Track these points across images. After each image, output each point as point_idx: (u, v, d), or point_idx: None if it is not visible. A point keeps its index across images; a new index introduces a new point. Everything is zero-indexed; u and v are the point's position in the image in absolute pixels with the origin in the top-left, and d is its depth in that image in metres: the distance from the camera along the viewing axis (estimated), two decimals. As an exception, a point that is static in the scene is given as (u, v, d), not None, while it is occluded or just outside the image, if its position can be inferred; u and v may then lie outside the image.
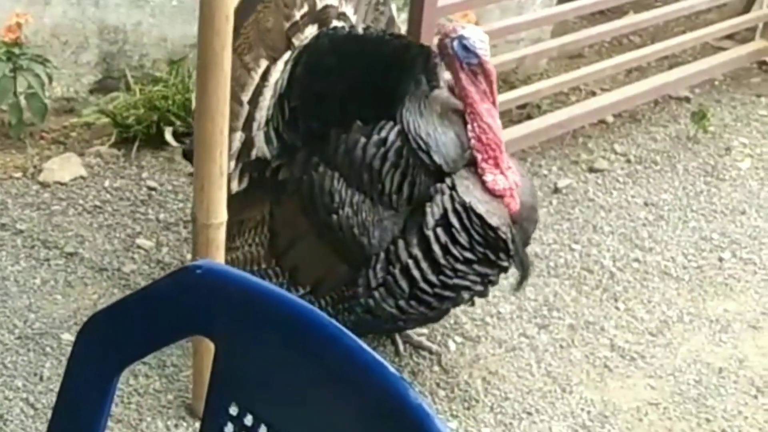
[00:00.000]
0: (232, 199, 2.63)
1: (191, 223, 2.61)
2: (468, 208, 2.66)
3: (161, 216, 3.56)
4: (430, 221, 2.65)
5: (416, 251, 2.66)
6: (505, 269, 2.80)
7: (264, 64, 2.83)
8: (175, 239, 3.44)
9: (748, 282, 3.19)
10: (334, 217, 2.69)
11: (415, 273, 2.67)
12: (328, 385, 1.13)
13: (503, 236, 2.69)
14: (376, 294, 2.71)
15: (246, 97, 2.81)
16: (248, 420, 1.21)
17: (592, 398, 2.94)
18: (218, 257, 2.61)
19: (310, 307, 1.14)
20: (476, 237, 2.67)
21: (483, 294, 2.83)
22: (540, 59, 4.34)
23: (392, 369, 1.09)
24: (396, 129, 2.67)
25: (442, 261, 2.67)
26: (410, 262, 2.67)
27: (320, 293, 2.79)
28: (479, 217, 2.66)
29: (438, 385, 2.96)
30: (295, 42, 2.85)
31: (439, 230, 2.65)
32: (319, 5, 2.88)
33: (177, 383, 2.86)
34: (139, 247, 3.39)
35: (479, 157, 2.71)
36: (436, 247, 2.65)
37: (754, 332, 3.24)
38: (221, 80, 2.45)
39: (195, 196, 2.58)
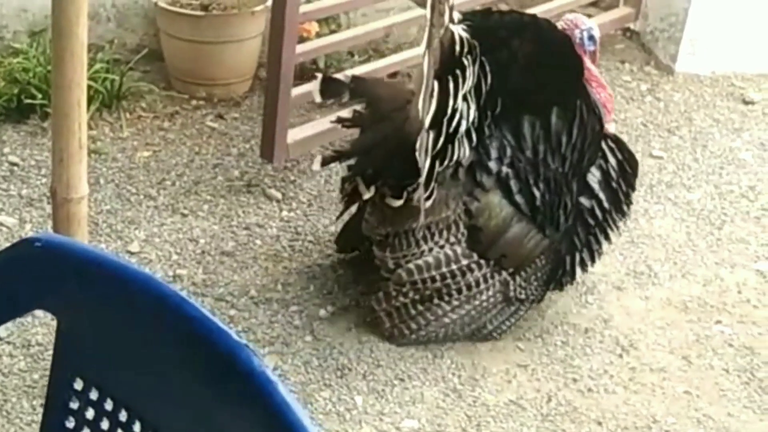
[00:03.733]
0: (415, 210, 2.84)
1: (51, 198, 2.55)
2: (632, 154, 3.17)
3: (24, 192, 3.46)
4: (614, 174, 3.08)
5: (608, 206, 3.09)
6: None
7: (435, 84, 2.73)
8: (39, 216, 3.35)
9: (613, 244, 3.27)
10: (537, 199, 2.96)
11: (610, 223, 3.12)
12: (173, 355, 1.11)
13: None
14: (579, 256, 3.11)
15: (427, 123, 2.74)
16: (93, 394, 1.18)
17: (462, 362, 2.98)
18: (80, 232, 2.55)
19: (153, 278, 1.12)
20: (636, 173, 3.17)
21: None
22: (410, 27, 4.34)
23: (236, 337, 1.08)
24: (584, 106, 3.02)
25: (625, 207, 3.14)
26: (606, 216, 3.10)
27: (520, 271, 3.03)
28: (634, 157, 3.19)
29: (311, 354, 2.96)
30: (447, 43, 2.73)
31: (621, 180, 3.11)
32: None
33: (42, 362, 2.79)
34: (1, 224, 3.28)
35: (605, 118, 3.11)
36: (621, 196, 3.11)
37: (619, 293, 3.32)
38: (77, 49, 2.38)
39: (54, 170, 2.52)
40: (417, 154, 2.76)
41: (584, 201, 3.07)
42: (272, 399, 1.03)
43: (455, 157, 2.85)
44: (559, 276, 3.12)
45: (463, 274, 2.96)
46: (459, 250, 2.94)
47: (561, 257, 3.08)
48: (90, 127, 3.77)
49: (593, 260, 3.17)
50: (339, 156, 3.09)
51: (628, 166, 3.13)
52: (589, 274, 3.31)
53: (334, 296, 3.17)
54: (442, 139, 2.79)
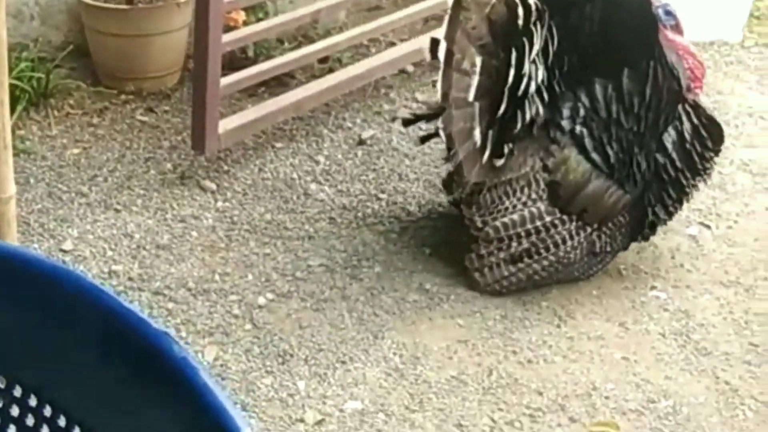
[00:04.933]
0: (491, 170, 3.06)
1: (-22, 200, 2.52)
2: (711, 119, 3.25)
3: (-48, 195, 3.40)
4: (688, 137, 3.17)
5: (680, 165, 3.18)
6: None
7: (478, 60, 3.03)
8: (-31, 218, 3.30)
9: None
10: (612, 157, 3.11)
11: (683, 182, 3.20)
12: (93, 346, 1.11)
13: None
14: (652, 210, 3.21)
15: (471, 96, 3.03)
16: (17, 391, 1.17)
17: (404, 342, 3.00)
18: (9, 232, 2.52)
19: (68, 269, 1.11)
20: (717, 138, 3.24)
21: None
22: (338, 12, 4.35)
23: (156, 325, 1.08)
24: (658, 68, 3.12)
25: (700, 166, 3.21)
26: (679, 175, 3.19)
27: (605, 226, 3.18)
28: (717, 122, 3.27)
29: (252, 343, 2.96)
30: (498, 19, 3.04)
31: (696, 142, 3.19)
32: None
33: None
34: (-70, 229, 3.23)
35: (692, 84, 3.19)
36: (695, 157, 3.19)
37: (555, 265, 3.36)
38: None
39: (-21, 171, 2.48)
40: (441, 130, 3.10)
41: (659, 158, 3.19)
42: (194, 384, 1.03)
43: (528, 117, 3.05)
44: (643, 228, 3.26)
45: (548, 231, 3.13)
46: (542, 206, 3.12)
47: (644, 211, 3.22)
48: (18, 127, 3.73)
49: (670, 215, 3.27)
50: (422, 117, 3.38)
51: (705, 131, 3.21)
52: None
53: (273, 283, 3.17)
54: (504, 105, 3.02)
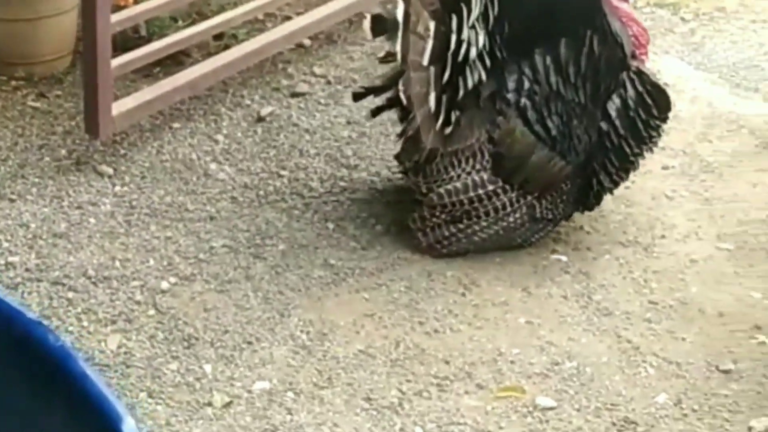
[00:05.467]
0: (443, 138, 3.14)
1: None
2: (656, 86, 3.27)
3: None
4: (631, 104, 3.21)
5: (623, 132, 3.22)
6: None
7: (431, 24, 3.07)
8: None
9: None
10: (554, 131, 3.16)
11: (627, 149, 3.23)
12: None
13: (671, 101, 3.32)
14: (597, 179, 3.26)
15: (426, 60, 3.09)
16: None
17: (310, 319, 2.99)
18: None
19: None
20: (662, 106, 3.26)
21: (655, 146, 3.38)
22: (230, -12, 4.28)
23: (31, 315, 1.05)
24: (596, 37, 3.17)
25: (644, 134, 3.24)
26: (622, 142, 3.22)
27: (545, 195, 3.24)
28: (662, 90, 3.30)
29: (156, 328, 2.92)
30: None
31: (640, 110, 3.22)
32: None
33: None
34: None
35: (637, 51, 3.26)
36: (639, 124, 3.23)
37: (458, 233, 3.38)
38: None
39: None
40: (401, 92, 3.16)
41: (603, 126, 3.23)
42: (72, 373, 1.02)
43: (471, 83, 3.12)
44: (588, 197, 3.33)
45: (490, 198, 3.21)
46: (485, 176, 3.20)
47: (588, 180, 3.26)
48: None
49: (615, 184, 3.31)
50: (372, 89, 3.40)
51: (650, 98, 3.24)
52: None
53: (175, 267, 3.13)
54: (448, 71, 3.08)
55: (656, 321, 3.06)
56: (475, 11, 3.10)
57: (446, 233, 3.23)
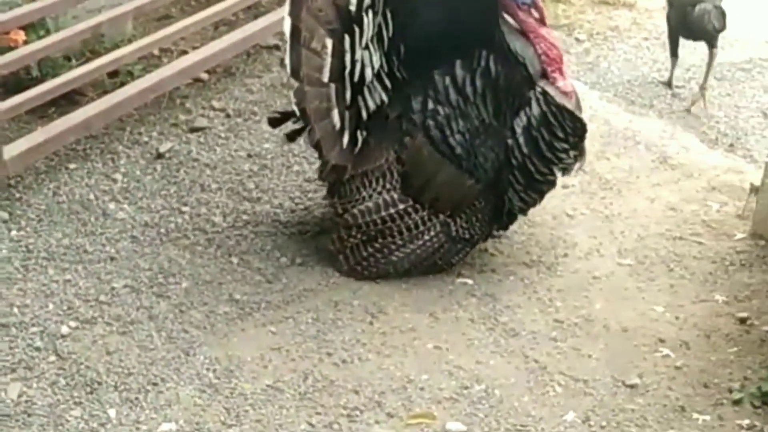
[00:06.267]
0: (352, 159, 3.19)
1: None
2: (561, 107, 3.24)
3: None
4: (534, 122, 3.21)
5: (526, 150, 3.23)
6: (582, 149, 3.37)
7: (329, 42, 3.09)
8: None
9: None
10: (459, 149, 3.19)
11: (530, 167, 3.24)
12: None
13: (585, 122, 3.33)
14: (508, 198, 3.27)
15: (326, 77, 3.11)
16: None
17: (216, 356, 2.94)
18: None
19: None
20: (568, 128, 3.25)
21: (568, 170, 3.38)
22: (124, 23, 4.22)
23: None
24: (492, 57, 3.20)
25: (548, 154, 3.25)
26: (526, 161, 3.22)
27: (458, 213, 3.26)
28: (569, 112, 3.26)
29: (57, 375, 2.84)
30: (350, 5, 3.08)
31: (542, 129, 3.22)
32: None
33: None
34: None
35: (548, 69, 3.26)
36: (542, 144, 3.23)
37: (364, 262, 3.37)
38: None
39: None
40: (294, 105, 3.19)
41: (509, 142, 3.23)
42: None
43: (372, 104, 3.18)
44: (501, 216, 3.34)
45: (402, 217, 3.25)
46: (395, 195, 3.25)
47: (500, 198, 3.27)
48: None
49: (525, 203, 3.31)
50: (288, 115, 3.37)
51: (555, 119, 3.23)
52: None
53: (75, 311, 3.06)
54: (348, 91, 3.11)
55: (562, 339, 3.09)
56: (368, 32, 3.12)
57: (364, 254, 3.26)
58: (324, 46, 3.09)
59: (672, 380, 2.95)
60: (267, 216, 3.55)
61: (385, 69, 3.20)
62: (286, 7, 3.16)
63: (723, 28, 4.31)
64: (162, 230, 3.44)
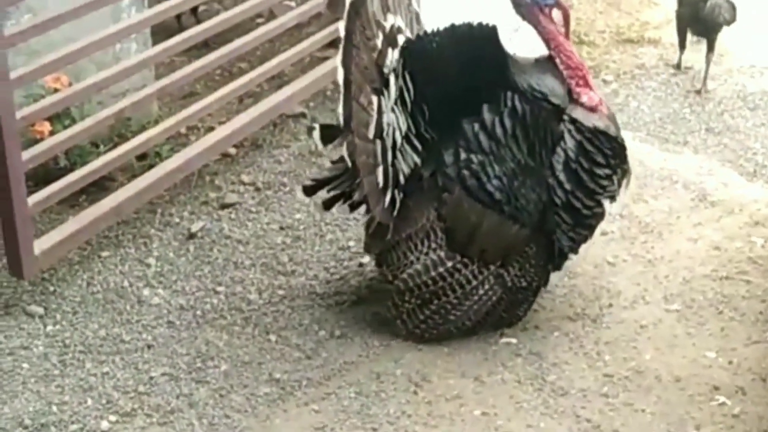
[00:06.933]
0: (393, 221, 3.15)
1: None
2: (594, 131, 3.13)
3: None
4: (572, 155, 3.11)
5: (569, 186, 3.12)
6: (626, 169, 3.25)
7: (374, 99, 3.09)
8: None
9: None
10: (498, 194, 3.10)
11: (576, 204, 3.14)
12: None
13: (621, 141, 3.20)
14: (557, 238, 3.17)
15: (371, 134, 3.09)
16: None
17: (258, 439, 2.89)
18: None
19: None
20: (607, 152, 3.14)
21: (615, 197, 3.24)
22: (148, 105, 4.22)
23: None
24: (516, 95, 3.10)
25: (591, 185, 3.14)
26: (570, 198, 3.13)
27: (509, 262, 3.18)
28: (604, 134, 3.14)
29: (100, 471, 2.80)
30: (384, 67, 3.08)
31: (581, 159, 3.12)
32: (388, 28, 3.10)
33: None
34: None
35: (572, 83, 3.17)
36: (583, 175, 3.13)
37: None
38: None
39: None
40: (345, 155, 3.18)
41: (551, 181, 3.14)
42: None
43: (406, 167, 3.14)
44: (554, 257, 3.23)
45: (452, 275, 3.18)
46: (442, 254, 3.18)
47: (551, 240, 3.18)
48: None
49: (573, 241, 3.20)
50: (324, 181, 3.33)
51: (591, 145, 3.13)
52: (374, 317, 3.28)
53: (114, 404, 3.02)
54: (390, 151, 3.11)
55: (613, 395, 2.99)
56: (393, 95, 3.10)
57: (421, 317, 3.20)
58: (371, 102, 3.08)
59: (730, 429, 2.85)
60: (303, 289, 3.50)
61: (413, 131, 3.16)
62: (339, 56, 3.18)
63: (734, 20, 4.64)
64: (198, 312, 3.40)
